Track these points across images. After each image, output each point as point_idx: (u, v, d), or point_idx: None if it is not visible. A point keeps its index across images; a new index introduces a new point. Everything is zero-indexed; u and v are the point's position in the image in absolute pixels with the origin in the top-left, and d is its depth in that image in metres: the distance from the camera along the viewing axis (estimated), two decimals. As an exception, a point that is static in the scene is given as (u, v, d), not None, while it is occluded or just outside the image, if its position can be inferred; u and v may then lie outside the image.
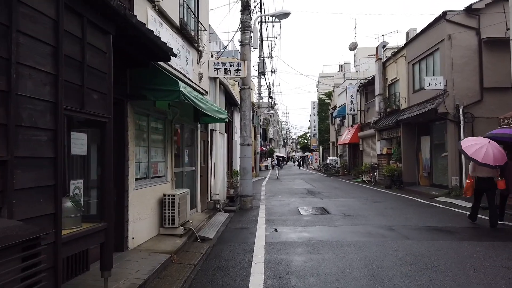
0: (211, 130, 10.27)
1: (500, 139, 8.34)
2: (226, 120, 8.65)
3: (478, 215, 8.08)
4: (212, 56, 10.50)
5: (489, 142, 7.71)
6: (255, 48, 11.10)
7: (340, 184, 19.87)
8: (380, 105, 20.47)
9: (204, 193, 9.60)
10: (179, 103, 7.24)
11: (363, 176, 21.57)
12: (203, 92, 8.94)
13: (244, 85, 10.87)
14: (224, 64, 9.95)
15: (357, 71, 38.48)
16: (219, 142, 11.71)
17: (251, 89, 11.06)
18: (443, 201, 11.93)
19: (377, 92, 20.79)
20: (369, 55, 39.36)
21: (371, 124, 21.65)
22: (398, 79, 18.84)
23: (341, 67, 44.19)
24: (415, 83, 16.92)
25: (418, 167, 17.04)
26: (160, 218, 6.30)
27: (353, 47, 41.90)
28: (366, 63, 37.28)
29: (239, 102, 11.09)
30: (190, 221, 6.81)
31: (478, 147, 7.59)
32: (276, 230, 7.39)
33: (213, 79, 10.28)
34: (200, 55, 8.90)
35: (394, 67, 19.30)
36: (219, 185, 11.22)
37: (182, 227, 6.30)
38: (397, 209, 10.15)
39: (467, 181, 8.31)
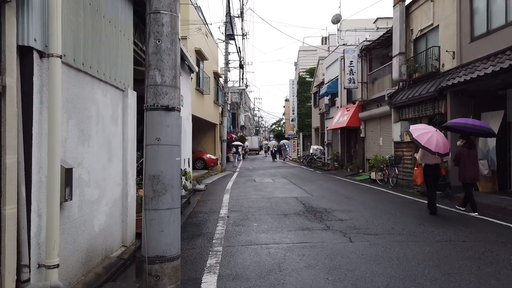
0: (31, 50, 3.04)
1: (460, 128, 8.14)
2: None
3: None
4: None
5: (436, 130, 7.71)
6: None
7: (346, 188, 13.09)
8: (402, 70, 13.83)
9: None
10: None
11: (374, 173, 14.94)
12: None
13: None
14: None
15: (343, 44, 31.72)
16: (100, 106, 4.53)
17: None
18: None
19: (396, 52, 14.13)
20: (356, 29, 33.08)
21: (385, 99, 15.01)
22: (437, 26, 12.18)
23: (325, 39, 37.56)
24: (476, 25, 10.31)
25: (473, 162, 10.65)
26: None
27: (336, 19, 35.30)
28: (354, 36, 31.04)
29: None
30: None
31: (429, 135, 7.45)
32: None
33: None
34: None
35: (428, 10, 12.63)
36: (100, 219, 4.11)
37: None
38: None
39: (416, 168, 8.45)
